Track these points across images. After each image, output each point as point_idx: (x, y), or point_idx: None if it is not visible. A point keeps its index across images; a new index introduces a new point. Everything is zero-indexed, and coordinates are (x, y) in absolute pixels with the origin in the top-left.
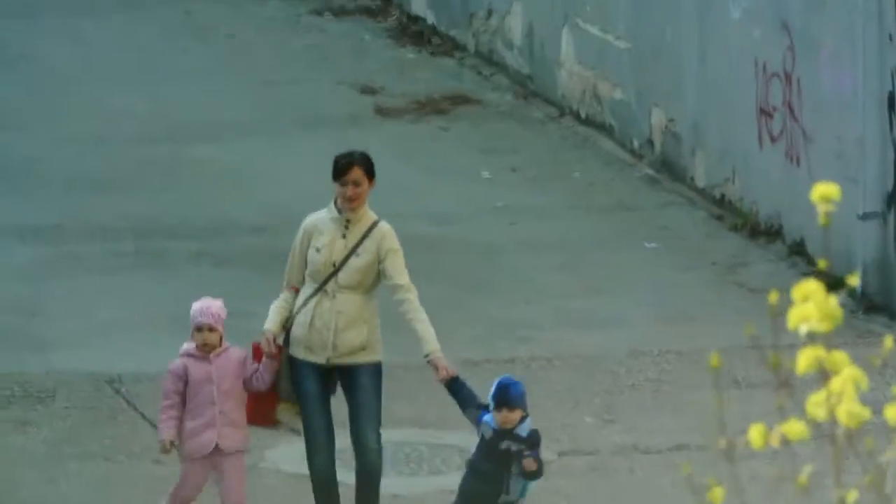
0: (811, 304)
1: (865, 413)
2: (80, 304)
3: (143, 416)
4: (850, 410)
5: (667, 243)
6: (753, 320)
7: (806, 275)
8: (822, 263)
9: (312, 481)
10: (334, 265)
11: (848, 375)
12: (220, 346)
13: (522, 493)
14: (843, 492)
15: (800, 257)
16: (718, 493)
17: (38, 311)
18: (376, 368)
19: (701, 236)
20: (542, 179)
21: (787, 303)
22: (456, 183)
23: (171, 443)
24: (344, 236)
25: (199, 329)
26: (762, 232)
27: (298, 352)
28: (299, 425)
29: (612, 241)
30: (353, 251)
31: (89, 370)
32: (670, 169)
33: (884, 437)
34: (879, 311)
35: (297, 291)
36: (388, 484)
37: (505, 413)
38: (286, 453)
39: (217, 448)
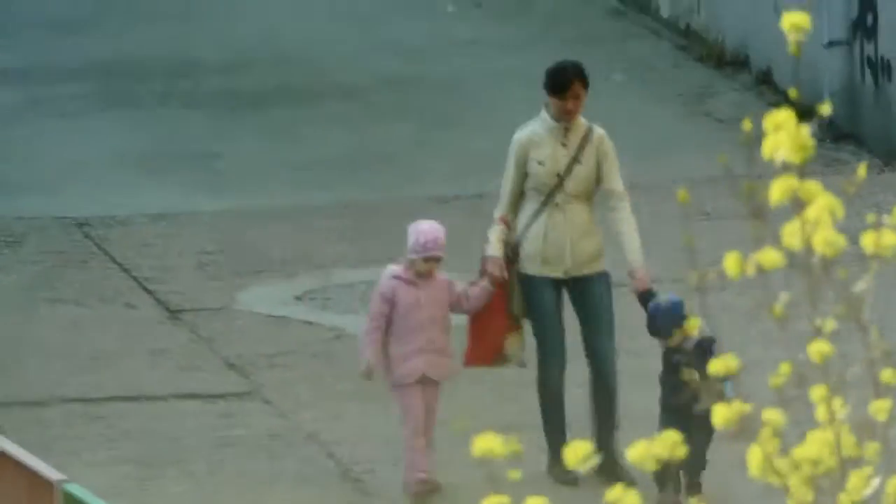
0: (783, 134)
1: (842, 241)
2: (48, 147)
3: (114, 260)
4: (826, 238)
5: (633, 75)
6: (722, 151)
7: (773, 104)
8: (792, 92)
9: (544, 395)
10: (559, 175)
11: (824, 204)
12: None
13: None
14: (819, 321)
15: (767, 87)
16: (694, 322)
17: (6, 156)
18: (607, 278)
19: (667, 68)
20: (507, 13)
21: (756, 132)
22: (422, 18)
23: (371, 368)
24: (564, 145)
25: (427, 260)
26: (728, 62)
27: (533, 268)
28: (525, 357)
29: None
30: (575, 159)
31: (59, 214)
32: (635, 0)
33: (858, 266)
34: (847, 139)
35: (507, 224)
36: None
37: (661, 341)
38: (259, 295)
39: (424, 375)
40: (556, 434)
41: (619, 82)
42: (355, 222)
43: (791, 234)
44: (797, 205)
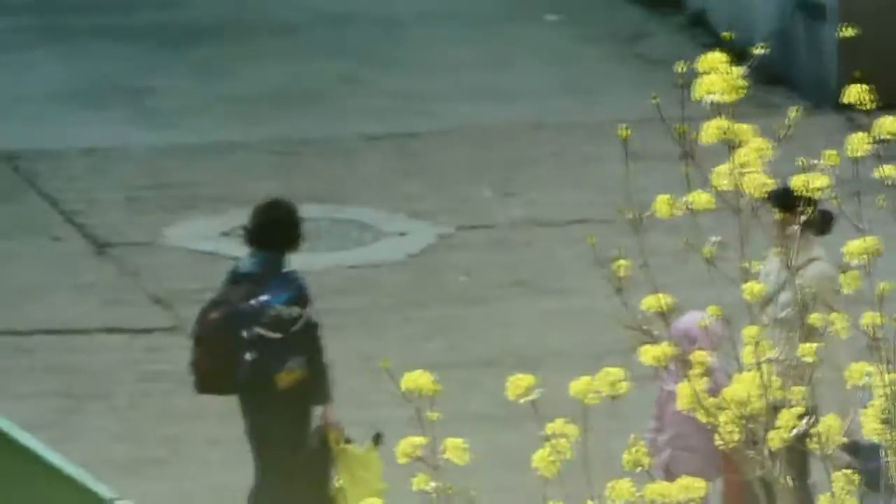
0: (716, 76)
1: (772, 183)
2: None
3: (42, 193)
4: (756, 180)
5: (568, 15)
6: (655, 92)
7: (706, 46)
8: (726, 35)
9: None
10: None
11: (754, 146)
12: None
13: None
14: (747, 262)
15: (700, 28)
16: (623, 264)
17: None
18: None
19: (601, 8)
20: None
21: (689, 74)
22: None
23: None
24: None
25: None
26: (662, 3)
27: None
28: None
29: (513, 14)
30: None
31: None
32: None
33: None
34: (779, 82)
35: None
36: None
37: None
38: (187, 230)
39: (668, 470)
40: None
41: (553, 22)
42: (284, 159)
43: (721, 175)
44: (729, 147)
